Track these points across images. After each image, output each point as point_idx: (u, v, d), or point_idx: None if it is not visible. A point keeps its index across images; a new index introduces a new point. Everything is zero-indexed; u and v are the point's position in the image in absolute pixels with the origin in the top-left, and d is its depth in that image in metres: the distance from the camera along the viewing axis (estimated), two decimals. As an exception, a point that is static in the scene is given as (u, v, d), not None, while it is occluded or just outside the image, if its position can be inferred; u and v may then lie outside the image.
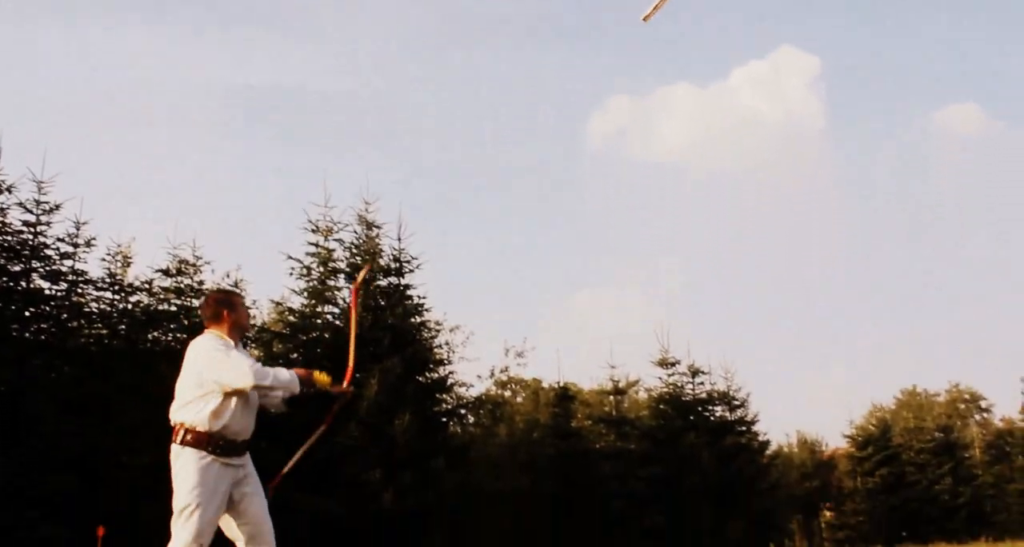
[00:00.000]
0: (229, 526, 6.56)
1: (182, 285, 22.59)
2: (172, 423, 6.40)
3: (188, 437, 6.32)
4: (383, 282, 24.32)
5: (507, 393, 39.00)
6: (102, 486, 18.43)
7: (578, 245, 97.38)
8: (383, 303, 23.73)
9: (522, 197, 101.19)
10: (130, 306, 21.76)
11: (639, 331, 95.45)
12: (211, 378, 6.22)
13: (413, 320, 24.10)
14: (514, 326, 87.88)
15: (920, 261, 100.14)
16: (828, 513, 46.90)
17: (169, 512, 14.75)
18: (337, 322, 23.55)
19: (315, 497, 19.74)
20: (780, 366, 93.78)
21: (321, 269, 23.97)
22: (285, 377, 6.48)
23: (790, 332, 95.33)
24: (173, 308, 22.34)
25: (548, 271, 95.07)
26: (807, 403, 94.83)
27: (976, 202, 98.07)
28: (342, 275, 24.17)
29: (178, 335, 21.94)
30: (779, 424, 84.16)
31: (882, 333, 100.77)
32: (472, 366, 65.72)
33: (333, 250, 24.23)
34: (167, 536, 17.35)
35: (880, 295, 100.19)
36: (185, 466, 6.36)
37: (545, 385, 38.60)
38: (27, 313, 19.69)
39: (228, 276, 24.67)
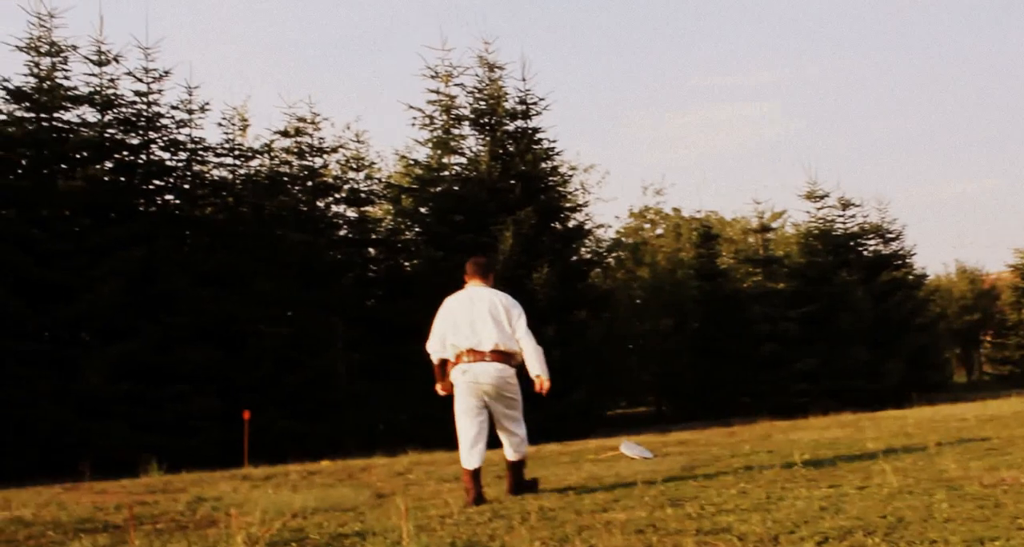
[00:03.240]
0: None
1: (303, 145, 21.93)
2: (503, 348, 7.74)
3: (516, 362, 7.82)
4: (510, 126, 23.24)
5: (646, 224, 37.76)
6: (243, 356, 18.23)
7: (712, 54, 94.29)
8: (511, 149, 22.70)
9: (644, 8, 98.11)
10: (252, 171, 21.23)
11: (780, 148, 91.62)
12: (521, 329, 7.78)
13: (544, 165, 23.07)
14: (651, 155, 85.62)
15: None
16: (988, 345, 44.49)
17: (309, 380, 18.62)
18: (466, 172, 22.65)
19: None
20: (937, 190, 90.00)
21: (444, 117, 23.00)
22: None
23: (945, 150, 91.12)
24: (295, 171, 21.72)
25: (679, 89, 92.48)
26: (967, 229, 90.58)
27: None
28: (467, 122, 23.19)
29: (301, 197, 21.39)
30: (937, 253, 79.87)
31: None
32: (609, 207, 64.66)
33: (455, 97, 23.23)
34: (309, 401, 17.05)
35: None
36: (518, 387, 7.86)
37: (686, 215, 37.36)
38: (151, 186, 19.35)
39: (348, 128, 23.98)
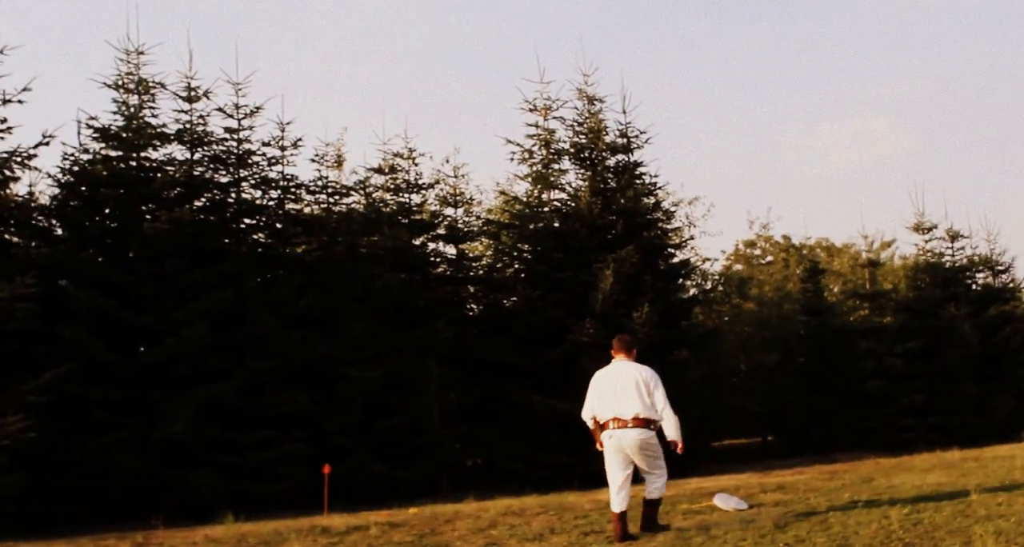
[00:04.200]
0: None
1: (398, 181, 21.41)
2: (642, 416, 9.06)
3: (655, 427, 9.13)
4: (611, 161, 22.50)
5: (756, 251, 36.72)
6: (333, 400, 17.69)
7: (817, 74, 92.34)
8: (613, 184, 21.94)
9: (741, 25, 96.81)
10: (346, 208, 20.77)
11: (893, 167, 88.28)
12: (660, 401, 9.15)
13: (646, 201, 22.26)
14: (757, 183, 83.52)
15: None
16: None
17: (402, 423, 18.38)
18: (566, 208, 21.94)
19: (552, 398, 18.56)
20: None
21: (544, 152, 22.30)
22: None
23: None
24: (391, 207, 21.21)
25: (786, 108, 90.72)
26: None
27: None
28: (567, 157, 22.47)
29: (398, 235, 20.82)
30: None
31: None
32: (715, 241, 63.51)
33: (554, 130, 22.48)
34: (402, 444, 16.41)
35: None
36: (658, 444, 9.18)
37: (796, 242, 36.24)
38: (241, 225, 19.02)
39: (447, 161, 23.49)
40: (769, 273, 33.82)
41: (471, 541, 9.59)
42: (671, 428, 9.20)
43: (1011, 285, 28.45)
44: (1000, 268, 28.35)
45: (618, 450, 9.21)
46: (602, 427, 9.31)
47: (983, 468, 14.05)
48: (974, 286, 28.02)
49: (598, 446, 9.46)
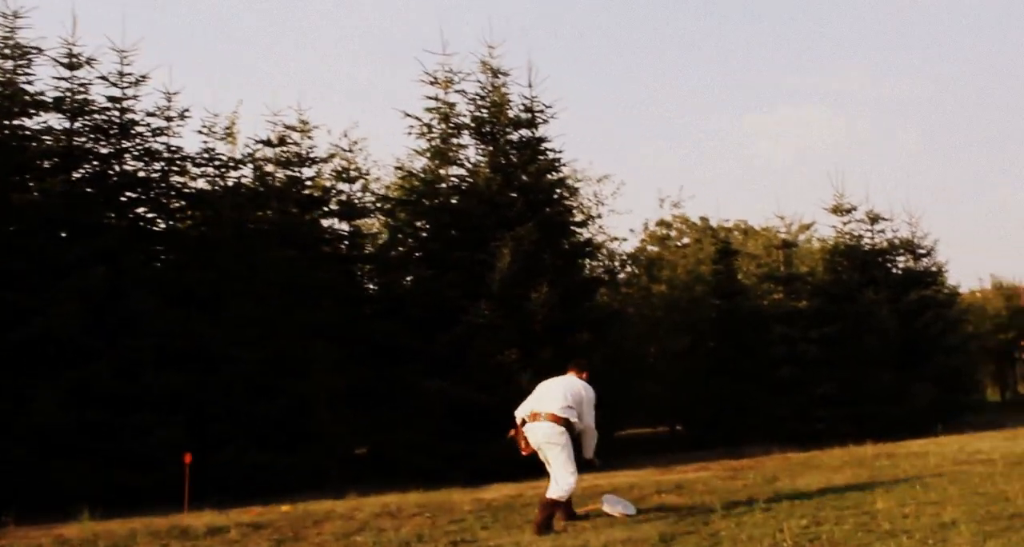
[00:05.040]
0: None
1: (290, 154, 20.62)
2: (556, 413, 9.69)
3: (568, 426, 9.69)
4: (514, 136, 21.75)
5: (672, 232, 36.16)
6: (214, 382, 16.93)
7: (749, 59, 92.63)
8: (514, 160, 21.29)
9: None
10: (232, 183, 19.98)
11: (812, 157, 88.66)
12: (587, 414, 9.96)
13: (550, 177, 21.64)
14: (675, 161, 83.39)
15: None
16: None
17: (287, 407, 17.44)
18: (464, 184, 21.28)
19: (445, 382, 18.04)
20: (973, 200, 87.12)
21: (443, 126, 21.56)
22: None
23: (984, 160, 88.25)
24: (283, 181, 20.44)
25: (711, 92, 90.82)
26: (1004, 242, 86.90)
27: None
28: (467, 132, 21.72)
29: (290, 209, 20.07)
30: (971, 267, 75.78)
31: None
32: (625, 220, 62.66)
33: (455, 104, 21.69)
34: (286, 431, 15.44)
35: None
36: (569, 444, 9.69)
37: (714, 224, 35.80)
38: (122, 198, 18.15)
39: (345, 135, 22.71)
40: (682, 255, 33.26)
41: (334, 547, 9.14)
42: (587, 444, 10.13)
43: (933, 269, 28.28)
44: (922, 251, 28.18)
45: (535, 443, 9.87)
46: (524, 424, 9.97)
47: (895, 467, 13.92)
48: (894, 270, 27.85)
49: (523, 452, 10.08)
